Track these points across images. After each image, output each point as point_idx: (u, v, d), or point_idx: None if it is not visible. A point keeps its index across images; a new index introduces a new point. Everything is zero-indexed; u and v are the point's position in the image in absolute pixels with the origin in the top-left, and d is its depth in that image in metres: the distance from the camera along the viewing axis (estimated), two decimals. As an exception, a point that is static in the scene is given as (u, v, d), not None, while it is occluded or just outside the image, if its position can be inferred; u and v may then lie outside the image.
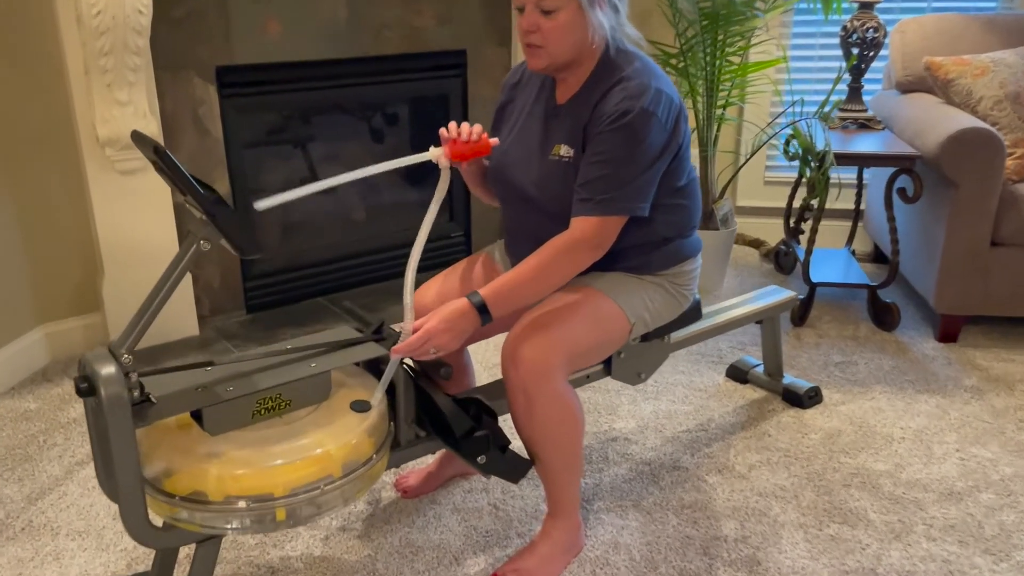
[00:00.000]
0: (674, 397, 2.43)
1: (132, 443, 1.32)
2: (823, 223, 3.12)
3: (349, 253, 3.22)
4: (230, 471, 1.35)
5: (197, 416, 1.41)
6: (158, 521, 1.44)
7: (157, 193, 2.66)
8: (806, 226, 3.29)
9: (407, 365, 1.61)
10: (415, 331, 1.53)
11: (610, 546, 1.81)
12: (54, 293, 2.67)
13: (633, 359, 1.90)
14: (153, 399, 1.37)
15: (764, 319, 2.33)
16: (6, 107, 2.46)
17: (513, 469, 1.65)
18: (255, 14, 2.75)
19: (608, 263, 1.66)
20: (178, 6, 2.62)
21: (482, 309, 1.55)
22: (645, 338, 1.84)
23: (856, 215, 3.29)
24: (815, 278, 2.90)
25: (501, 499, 1.97)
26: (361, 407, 1.50)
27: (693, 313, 1.90)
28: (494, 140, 1.64)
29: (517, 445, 1.78)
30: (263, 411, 1.45)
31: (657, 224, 1.68)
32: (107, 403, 1.28)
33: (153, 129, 2.56)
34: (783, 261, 3.38)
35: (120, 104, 2.49)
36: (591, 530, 1.86)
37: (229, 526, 1.37)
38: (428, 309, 1.80)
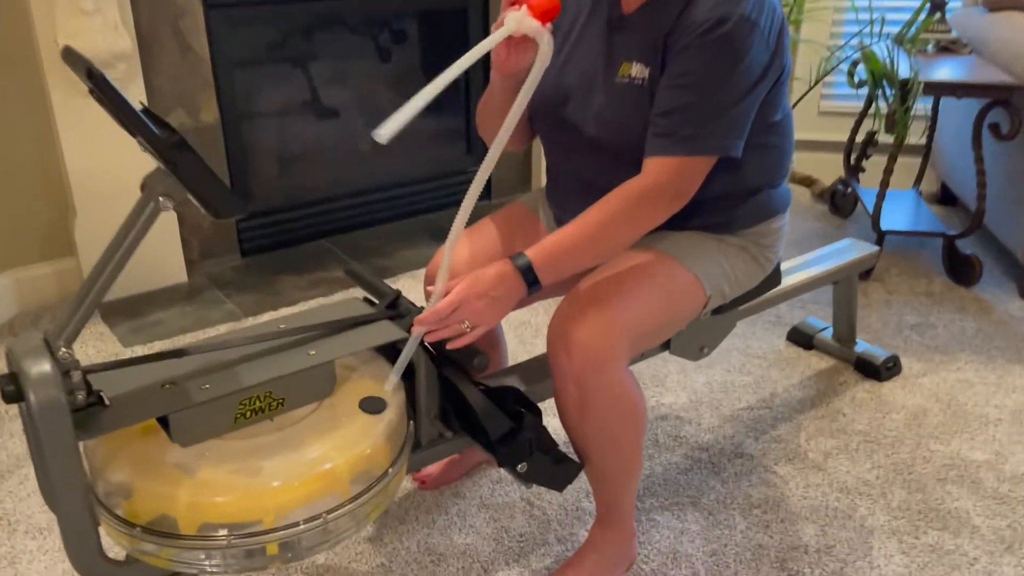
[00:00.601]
0: (729, 365, 2.11)
1: (74, 461, 1.01)
2: (879, 157, 2.76)
3: (355, 190, 2.87)
4: (206, 496, 1.05)
5: (165, 421, 1.10)
6: (117, 550, 1.14)
7: (134, 121, 2.31)
8: (868, 163, 2.93)
9: (429, 347, 1.29)
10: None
11: (668, 556, 1.52)
12: (21, 235, 2.35)
13: (697, 332, 1.58)
14: (106, 401, 1.06)
15: (840, 279, 1.99)
16: (-49, 17, 2.09)
17: (560, 476, 1.34)
18: (244, -92, 2.35)
19: (682, 219, 1.31)
20: None
21: (528, 274, 1.22)
22: (717, 310, 1.51)
23: (927, 151, 2.91)
24: (885, 225, 2.55)
25: (536, 493, 1.67)
26: (374, 406, 1.18)
27: (773, 278, 1.57)
28: None
29: (558, 433, 1.47)
30: (249, 414, 1.13)
31: (746, 170, 1.34)
32: (38, 411, 0.97)
33: (126, 45, 2.19)
34: (840, 202, 3.02)
35: (86, 14, 2.11)
36: (644, 534, 1.57)
37: (207, 563, 1.07)
38: (456, 271, 1.47)
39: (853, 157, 2.94)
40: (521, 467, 1.28)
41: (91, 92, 0.97)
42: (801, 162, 3.29)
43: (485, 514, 1.62)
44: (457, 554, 1.53)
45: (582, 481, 1.66)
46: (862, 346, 2.10)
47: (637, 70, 1.27)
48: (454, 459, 1.68)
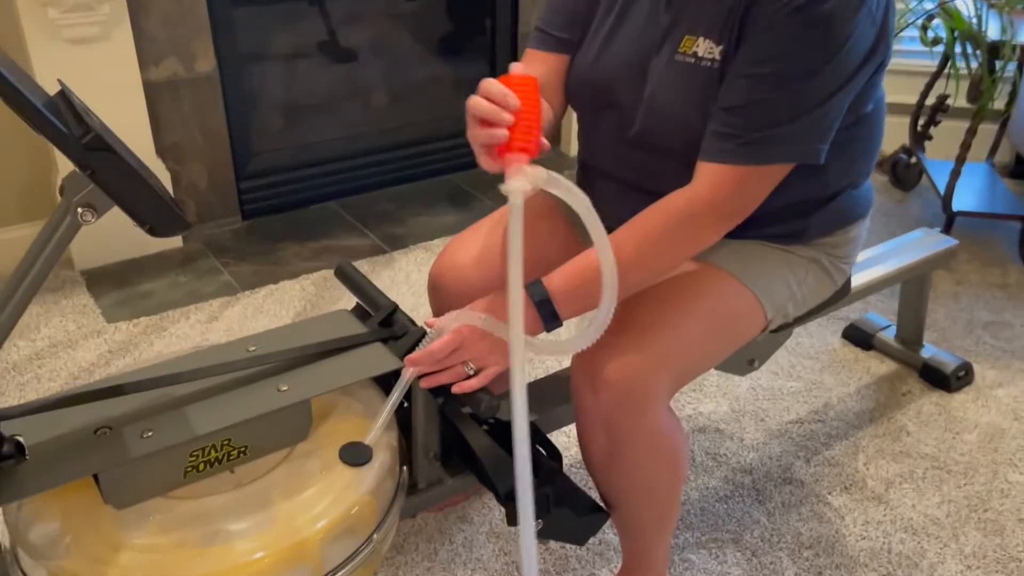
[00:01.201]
0: (777, 367, 1.87)
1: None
2: (948, 124, 2.47)
3: (368, 147, 2.62)
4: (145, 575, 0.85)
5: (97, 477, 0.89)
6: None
7: (121, 66, 2.07)
8: (936, 130, 2.63)
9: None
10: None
11: (705, 609, 1.32)
12: (0, 195, 2.14)
13: (748, 347, 1.34)
14: (25, 452, 0.86)
15: (911, 278, 1.74)
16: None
17: (581, 530, 1.13)
18: None
19: (743, 228, 1.05)
20: None
21: (546, 307, 0.99)
22: (776, 329, 1.27)
23: (1005, 119, 2.60)
24: (958, 205, 2.27)
25: (554, 521, 1.46)
26: (357, 455, 0.97)
27: (844, 290, 1.33)
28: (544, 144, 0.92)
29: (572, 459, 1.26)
30: (202, 466, 0.92)
31: (827, 171, 1.09)
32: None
33: (108, -17, 1.94)
34: (902, 174, 2.73)
35: (62, -51, 1.86)
36: (677, 578, 1.36)
37: (146, 653, 0.88)
38: (463, 275, 1.24)
39: (920, 123, 2.64)
40: (536, 524, 1.07)
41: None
42: (859, 125, 2.99)
43: (494, 545, 1.42)
44: (461, 595, 1.33)
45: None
46: (929, 350, 1.85)
47: (705, 48, 1.00)
48: None
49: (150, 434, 0.89)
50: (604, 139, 1.14)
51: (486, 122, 0.88)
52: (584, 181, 1.24)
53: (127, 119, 2.12)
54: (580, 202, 0.84)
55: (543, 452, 1.09)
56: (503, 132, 0.88)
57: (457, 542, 1.43)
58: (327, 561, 0.91)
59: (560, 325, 1.00)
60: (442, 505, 1.49)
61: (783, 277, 1.14)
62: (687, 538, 1.44)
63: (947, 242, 1.75)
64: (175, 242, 2.31)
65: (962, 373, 1.81)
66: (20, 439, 0.87)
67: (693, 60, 1.01)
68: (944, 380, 1.80)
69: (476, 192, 2.67)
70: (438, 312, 1.28)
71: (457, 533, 1.44)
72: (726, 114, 0.97)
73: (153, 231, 0.79)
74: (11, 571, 0.90)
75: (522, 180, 0.86)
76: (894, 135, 2.88)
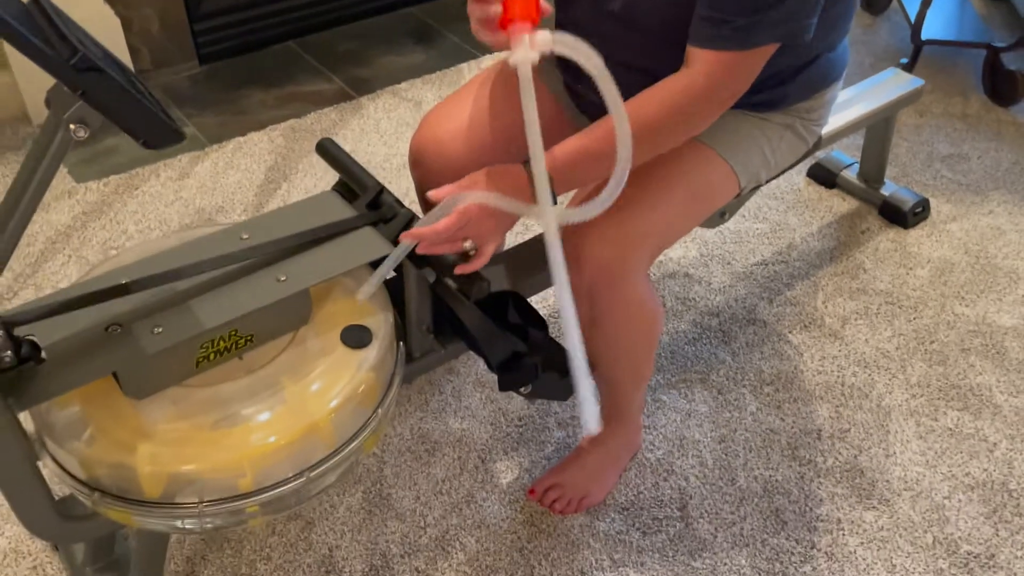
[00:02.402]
0: (744, 210, 1.93)
1: (8, 429, 0.87)
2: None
3: (325, -20, 2.50)
4: (170, 464, 0.92)
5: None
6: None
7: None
8: (910, -49, 2.56)
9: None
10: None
11: (675, 444, 1.45)
12: (-60, 47, 2.04)
13: (720, 204, 1.39)
14: (42, 354, 0.90)
15: (879, 120, 1.77)
16: None
17: (565, 388, 1.22)
18: None
19: None
20: None
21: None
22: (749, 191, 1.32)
23: (979, -61, 2.54)
24: (927, 34, 2.26)
25: (536, 369, 1.56)
26: (358, 339, 1.03)
27: (814, 147, 1.36)
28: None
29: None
30: (213, 356, 0.98)
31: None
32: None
33: None
34: (873, -2, 2.68)
35: None
36: (649, 417, 1.48)
37: (179, 525, 0.97)
38: (446, 148, 1.25)
39: (894, -58, 2.57)
40: (525, 389, 1.15)
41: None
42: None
43: (481, 394, 1.52)
44: (452, 442, 1.44)
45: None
46: (889, 188, 1.92)
47: None
48: None
49: (160, 330, 0.93)
50: (583, 12, 1.13)
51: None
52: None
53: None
54: (595, 66, 0.81)
55: (532, 321, 1.16)
56: (496, 8, 0.87)
57: (447, 392, 1.52)
58: (338, 436, 0.99)
59: (555, 204, 1.04)
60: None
61: (758, 146, 1.18)
62: (658, 380, 1.55)
63: (914, 83, 1.77)
64: (133, 92, 2.24)
65: (919, 210, 1.89)
66: (35, 339, 0.90)
67: None
68: (902, 217, 1.88)
69: (441, 27, 2.59)
70: (420, 184, 1.30)
71: (446, 384, 1.54)
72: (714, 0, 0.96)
73: (147, 144, 0.79)
74: (42, 457, 0.97)
75: (528, 50, 0.84)
76: (867, -45, 2.80)
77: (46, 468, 0.97)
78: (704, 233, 1.86)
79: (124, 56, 2.18)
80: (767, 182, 1.32)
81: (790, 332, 1.65)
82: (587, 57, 0.81)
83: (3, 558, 1.27)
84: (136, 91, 0.76)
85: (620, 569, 1.28)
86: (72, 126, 0.77)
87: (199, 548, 1.29)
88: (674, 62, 1.02)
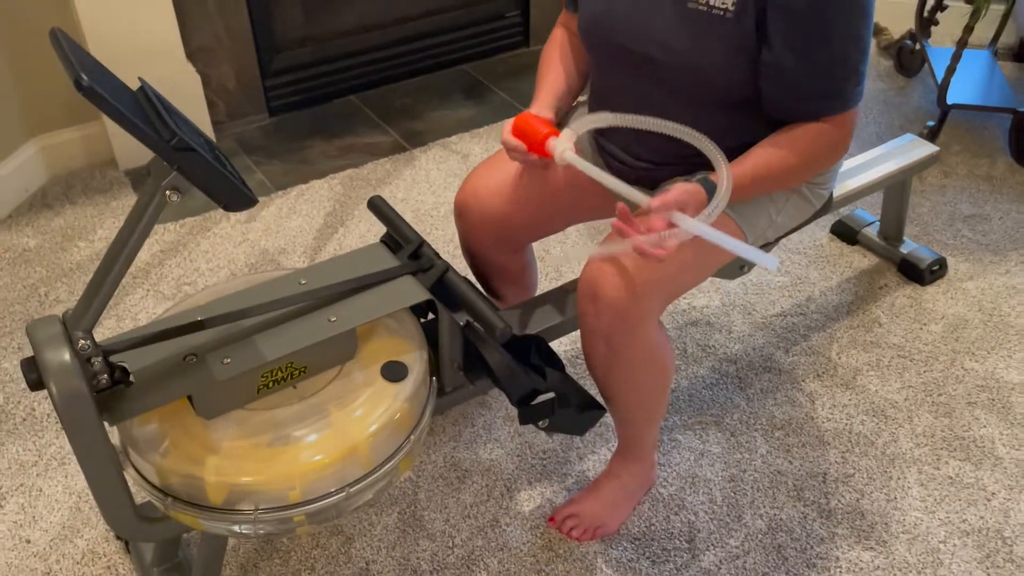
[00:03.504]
0: (768, 263, 2.05)
1: (100, 444, 1.03)
2: (957, 7, 2.51)
3: (384, 41, 2.71)
4: (232, 471, 1.08)
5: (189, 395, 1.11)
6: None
7: (147, -22, 2.16)
8: (943, 16, 2.67)
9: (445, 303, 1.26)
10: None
11: (687, 481, 1.56)
12: (44, 102, 2.28)
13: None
14: (131, 378, 1.07)
15: (894, 183, 1.88)
16: None
17: (581, 424, 1.35)
18: None
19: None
20: None
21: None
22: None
23: (1012, 4, 2.64)
24: (953, 98, 2.37)
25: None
26: (396, 373, 1.18)
27: (823, 210, 1.49)
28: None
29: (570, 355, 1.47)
30: (271, 384, 1.14)
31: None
32: (60, 402, 0.99)
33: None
34: (907, 60, 2.79)
35: None
36: (664, 455, 1.60)
37: (236, 529, 1.12)
38: (484, 201, 1.41)
39: (927, 8, 2.68)
40: (542, 423, 1.29)
41: (76, 87, 0.88)
42: (869, 8, 3.01)
43: (510, 427, 1.66)
44: (482, 470, 1.58)
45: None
46: (908, 246, 2.02)
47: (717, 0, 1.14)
48: None
49: (228, 361, 1.10)
50: (615, 72, 1.30)
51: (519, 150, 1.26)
52: (596, 103, 1.38)
53: (159, 24, 2.22)
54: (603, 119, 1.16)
55: (551, 362, 1.29)
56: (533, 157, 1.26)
57: (478, 425, 1.67)
58: (375, 457, 1.14)
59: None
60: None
61: (764, 208, 1.31)
62: (675, 421, 1.67)
63: (929, 149, 1.88)
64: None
65: (936, 267, 1.99)
66: (125, 365, 1.08)
67: (705, 8, 1.15)
68: (919, 274, 1.98)
69: (490, 83, 2.77)
70: (463, 234, 1.47)
71: (478, 417, 1.68)
72: (809, 85, 1.17)
73: (227, 208, 0.96)
74: (125, 466, 1.13)
75: (562, 144, 1.21)
76: (901, 20, 2.93)
77: (128, 476, 1.13)
78: (726, 284, 1.98)
79: (202, 108, 2.41)
80: (775, 241, 1.44)
81: (804, 380, 1.76)
82: (595, 121, 1.06)
83: (82, 558, 1.44)
84: (221, 165, 0.93)
85: (629, 593, 1.39)
86: (167, 192, 0.95)
87: (251, 557, 1.45)
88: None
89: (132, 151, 2.35)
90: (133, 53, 2.20)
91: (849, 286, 1.99)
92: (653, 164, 1.32)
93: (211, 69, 2.43)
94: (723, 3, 1.14)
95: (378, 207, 1.37)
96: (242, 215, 2.21)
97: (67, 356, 0.99)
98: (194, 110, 2.39)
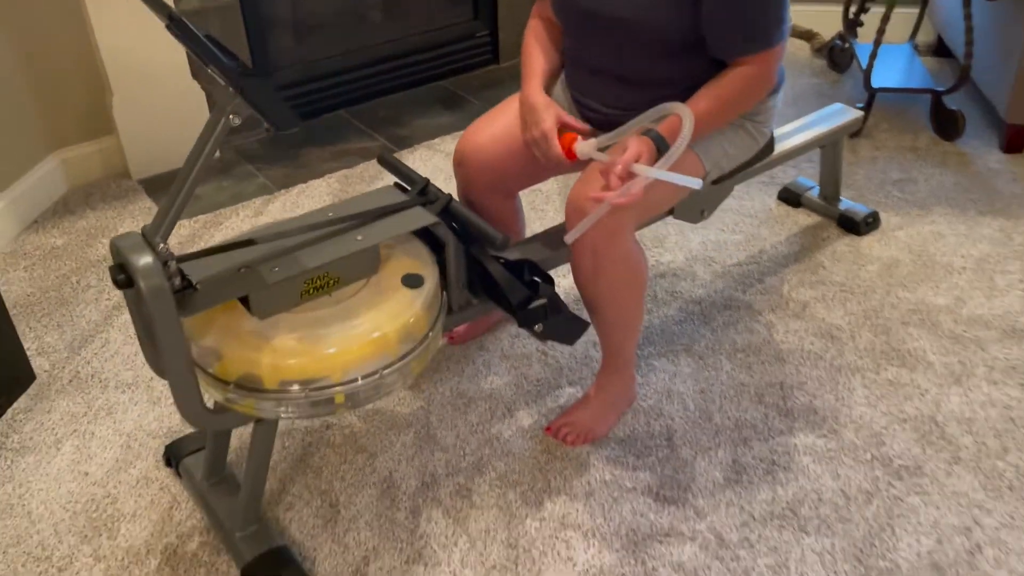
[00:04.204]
0: (723, 225, 2.32)
1: (179, 333, 1.25)
2: (879, 10, 2.84)
3: (367, 60, 2.99)
4: (283, 359, 1.29)
5: (243, 298, 1.33)
6: (210, 400, 1.40)
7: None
8: (867, 18, 3.00)
9: (456, 227, 1.50)
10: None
11: (663, 395, 1.79)
12: (62, 117, 2.51)
13: (697, 198, 1.77)
14: (196, 286, 1.29)
15: (827, 143, 2.16)
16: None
17: (571, 332, 1.58)
18: None
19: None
20: None
21: (661, 144, 1.42)
22: (716, 180, 1.70)
23: (924, 3, 2.98)
24: (876, 83, 2.68)
25: (550, 346, 1.93)
26: (414, 281, 1.41)
27: (767, 149, 1.75)
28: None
29: (569, 293, 1.70)
30: (311, 291, 1.36)
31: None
32: (149, 296, 1.20)
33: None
34: (838, 58, 3.12)
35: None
36: (643, 377, 1.83)
37: (285, 411, 1.33)
38: (481, 150, 1.65)
39: (852, 11, 3.02)
40: (538, 327, 1.52)
41: (169, 30, 1.12)
42: (802, 16, 3.35)
43: (506, 364, 1.88)
44: (484, 397, 1.80)
45: (589, 335, 1.91)
46: (845, 203, 2.30)
47: None
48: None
49: (276, 269, 1.32)
50: (584, 33, 1.55)
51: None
52: (571, 66, 1.65)
53: (167, 47, 2.47)
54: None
55: (542, 278, 1.53)
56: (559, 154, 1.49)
57: (478, 363, 1.89)
58: (400, 349, 1.36)
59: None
60: (466, 339, 1.94)
61: (717, 141, 1.57)
62: (651, 350, 1.91)
63: (854, 114, 2.17)
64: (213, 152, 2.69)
65: (871, 220, 2.26)
66: (191, 278, 1.30)
67: None
68: (855, 226, 2.25)
69: (466, 95, 3.05)
70: (463, 180, 1.71)
71: (477, 358, 1.90)
72: (740, 26, 1.41)
73: (277, 127, 1.19)
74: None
75: (587, 146, 1.45)
76: (831, 23, 3.27)
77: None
78: (689, 241, 2.24)
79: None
80: (731, 174, 1.70)
81: (760, 313, 2.00)
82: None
83: (136, 483, 1.63)
84: (271, 88, 1.17)
85: (618, 481, 1.61)
86: (231, 115, 1.18)
87: (288, 472, 1.65)
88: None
89: (145, 162, 2.57)
90: (144, 72, 2.44)
91: (796, 239, 2.26)
92: (620, 110, 1.58)
93: (214, 85, 2.67)
94: None
95: (387, 160, 1.61)
96: (250, 211, 2.44)
97: (151, 259, 1.21)
98: (200, 127, 2.63)
